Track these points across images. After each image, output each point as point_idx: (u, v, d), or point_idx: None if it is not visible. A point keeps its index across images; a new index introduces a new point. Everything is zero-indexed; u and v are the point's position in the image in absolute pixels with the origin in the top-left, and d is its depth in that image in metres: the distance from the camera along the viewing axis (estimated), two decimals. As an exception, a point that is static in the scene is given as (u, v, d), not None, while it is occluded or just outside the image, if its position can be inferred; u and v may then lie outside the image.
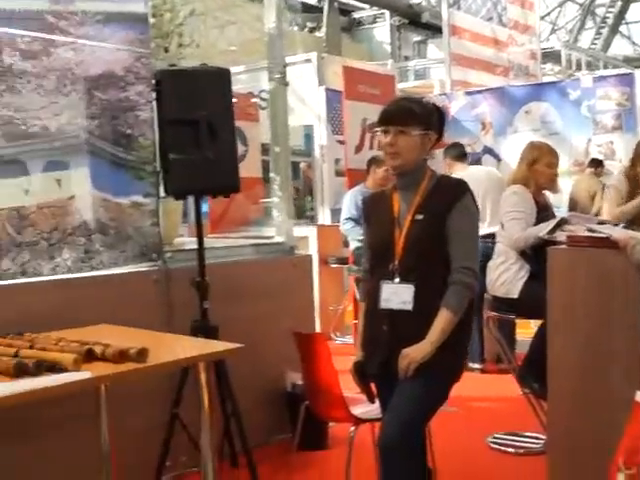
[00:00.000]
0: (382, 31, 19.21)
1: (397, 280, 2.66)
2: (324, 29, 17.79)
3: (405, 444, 2.58)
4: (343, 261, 7.03)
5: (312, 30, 18.12)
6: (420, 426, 2.70)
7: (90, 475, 3.23)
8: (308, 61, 8.57)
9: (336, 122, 8.31)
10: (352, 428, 3.19)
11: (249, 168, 7.20)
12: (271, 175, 4.74)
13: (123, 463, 3.21)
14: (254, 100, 7.82)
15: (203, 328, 3.50)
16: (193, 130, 3.40)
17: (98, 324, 3.15)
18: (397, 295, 2.65)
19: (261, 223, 7.01)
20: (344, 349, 6.06)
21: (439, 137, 2.78)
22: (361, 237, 6.03)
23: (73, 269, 3.58)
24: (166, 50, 4.69)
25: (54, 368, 2.25)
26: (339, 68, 8.28)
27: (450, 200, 2.67)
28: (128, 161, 3.73)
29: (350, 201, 6.52)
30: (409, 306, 2.63)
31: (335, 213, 7.76)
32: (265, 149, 7.01)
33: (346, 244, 6.82)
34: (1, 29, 3.35)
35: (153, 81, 3.61)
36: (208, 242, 3.67)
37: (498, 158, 8.65)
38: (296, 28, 17.11)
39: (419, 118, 2.69)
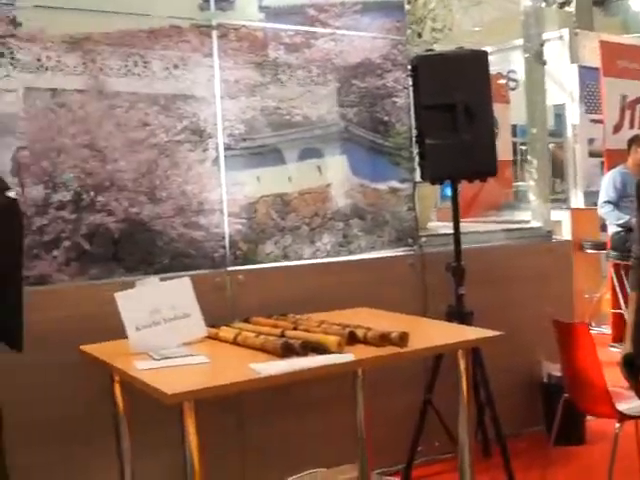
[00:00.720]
0: (638, 2, 17.91)
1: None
2: (574, 3, 16.91)
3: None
4: (600, 246, 6.65)
5: (562, 5, 17.29)
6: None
7: (346, 453, 3.32)
8: (560, 38, 8.15)
9: (590, 100, 7.85)
10: (617, 425, 3.02)
11: (500, 151, 7.00)
12: (528, 157, 4.58)
13: (377, 444, 3.27)
14: (502, 81, 7.60)
15: (458, 314, 3.46)
16: (450, 114, 3.37)
17: (355, 307, 3.21)
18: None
19: (512, 207, 6.82)
20: (601, 339, 5.72)
21: None
22: (620, 221, 5.83)
23: (332, 253, 3.68)
24: (419, 35, 4.68)
25: (318, 349, 2.30)
26: (592, 43, 7.80)
27: None
28: (385, 147, 3.78)
29: (608, 183, 6.16)
30: None
31: (589, 196, 7.36)
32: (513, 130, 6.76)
33: (604, 228, 6.44)
34: (268, 24, 3.52)
35: (409, 67, 3.60)
36: (461, 227, 3.61)
37: None
38: (544, 4, 16.41)
39: None
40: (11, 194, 2.37)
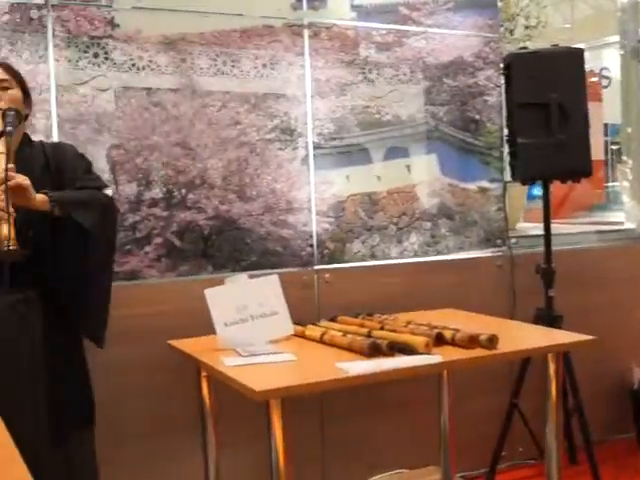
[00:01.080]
0: None
1: None
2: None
3: None
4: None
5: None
6: None
7: (429, 455, 3.32)
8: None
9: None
10: None
11: (592, 150, 6.80)
12: (622, 158, 4.45)
13: (460, 447, 3.24)
14: (595, 79, 7.38)
15: (547, 317, 3.38)
16: (543, 113, 3.29)
17: (442, 308, 3.18)
18: None
19: (604, 208, 6.61)
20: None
21: None
22: None
23: (419, 253, 3.66)
24: (511, 33, 4.58)
25: (405, 350, 2.28)
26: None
27: None
28: (475, 146, 3.73)
29: None
30: None
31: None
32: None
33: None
34: (359, 23, 3.52)
35: (502, 65, 3.53)
36: (552, 228, 3.53)
37: None
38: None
39: None
40: (108, 192, 2.44)
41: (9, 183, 2.14)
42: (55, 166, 2.40)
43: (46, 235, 2.31)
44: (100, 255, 2.39)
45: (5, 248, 2.10)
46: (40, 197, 2.25)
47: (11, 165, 2.19)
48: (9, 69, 2.37)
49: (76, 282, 2.34)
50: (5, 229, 2.11)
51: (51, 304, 2.33)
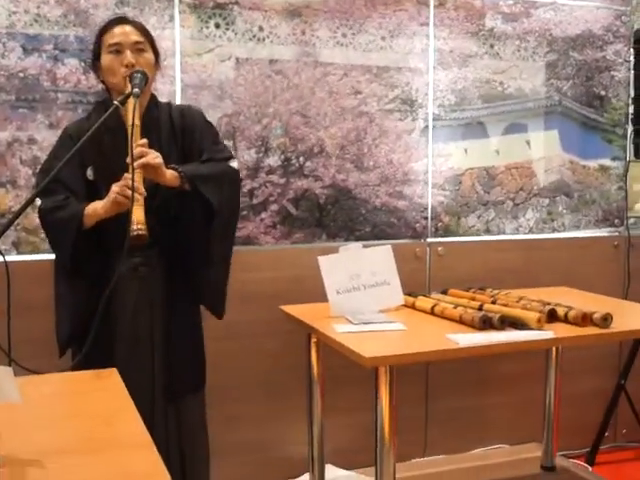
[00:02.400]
0: None
1: None
2: None
3: None
4: None
5: None
6: None
7: (533, 430, 3.32)
8: None
9: None
10: None
11: None
12: None
13: (564, 425, 3.22)
14: None
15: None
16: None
17: (554, 286, 3.14)
18: None
19: None
20: None
21: None
22: None
23: (535, 230, 3.60)
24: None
25: (516, 324, 2.26)
26: None
27: None
28: (599, 123, 3.62)
29: None
30: None
31: None
32: None
33: None
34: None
35: (632, 39, 3.40)
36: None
37: None
38: None
39: None
40: (234, 164, 2.42)
41: (141, 161, 2.12)
42: (182, 131, 2.38)
43: (171, 208, 2.32)
44: (224, 229, 2.37)
45: (135, 233, 2.04)
46: (170, 173, 2.22)
47: (144, 140, 2.16)
48: (144, 31, 2.35)
49: (198, 254, 2.34)
50: (137, 212, 2.06)
51: (172, 271, 2.35)
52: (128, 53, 2.27)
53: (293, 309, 2.63)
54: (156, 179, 2.20)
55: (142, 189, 2.11)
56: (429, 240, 3.40)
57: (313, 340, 2.61)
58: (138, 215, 2.06)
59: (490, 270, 3.40)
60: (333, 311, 2.47)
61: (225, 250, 2.41)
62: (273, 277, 3.11)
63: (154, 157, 2.16)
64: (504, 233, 3.55)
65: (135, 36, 2.30)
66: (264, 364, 3.12)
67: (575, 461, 3.46)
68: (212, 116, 2.95)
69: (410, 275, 3.01)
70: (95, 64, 2.34)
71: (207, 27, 2.99)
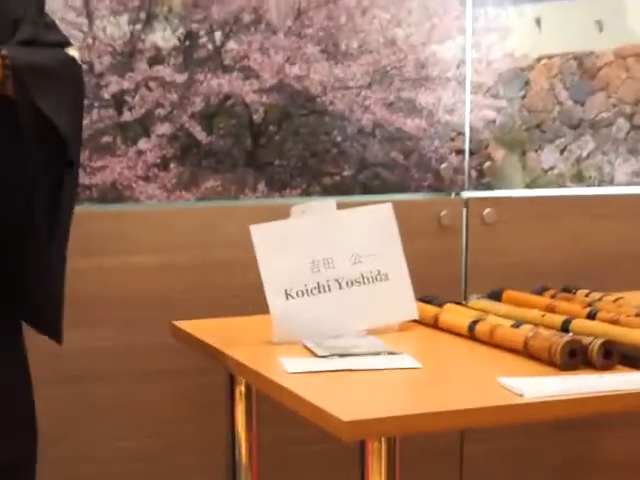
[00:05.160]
0: None
1: None
2: None
3: None
4: None
5: None
6: None
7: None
8: None
9: None
10: None
11: None
12: None
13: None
14: None
15: None
16: None
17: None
18: None
19: None
20: None
21: None
22: None
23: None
24: None
25: (638, 360, 2.28)
26: None
27: None
28: None
29: None
30: None
31: None
32: None
33: None
34: None
35: None
36: None
37: None
38: None
39: None
40: (75, 54, 2.45)
41: None
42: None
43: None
44: (74, 182, 2.43)
45: None
46: None
47: None
48: None
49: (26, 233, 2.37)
50: None
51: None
52: None
53: (198, 326, 2.66)
54: None
55: None
56: (465, 195, 3.47)
57: (239, 388, 2.65)
58: None
59: (585, 253, 3.51)
60: (277, 332, 2.50)
61: (66, 220, 2.46)
62: (161, 264, 3.16)
63: None
64: (612, 183, 3.65)
65: None
66: (139, 435, 3.17)
67: None
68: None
69: (430, 263, 3.10)
70: None
71: None
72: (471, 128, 3.46)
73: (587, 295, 2.84)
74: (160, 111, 3.19)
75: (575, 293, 2.87)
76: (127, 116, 3.16)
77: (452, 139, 3.44)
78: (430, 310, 2.68)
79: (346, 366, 2.28)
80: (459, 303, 2.79)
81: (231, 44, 3.23)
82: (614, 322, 2.51)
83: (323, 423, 1.97)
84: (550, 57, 3.55)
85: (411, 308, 2.64)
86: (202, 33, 3.21)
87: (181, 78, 3.20)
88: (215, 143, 3.25)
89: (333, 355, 2.35)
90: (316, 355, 2.36)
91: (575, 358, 2.24)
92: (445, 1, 3.41)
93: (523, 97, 3.52)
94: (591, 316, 2.57)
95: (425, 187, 3.42)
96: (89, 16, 3.10)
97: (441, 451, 3.39)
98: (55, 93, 2.32)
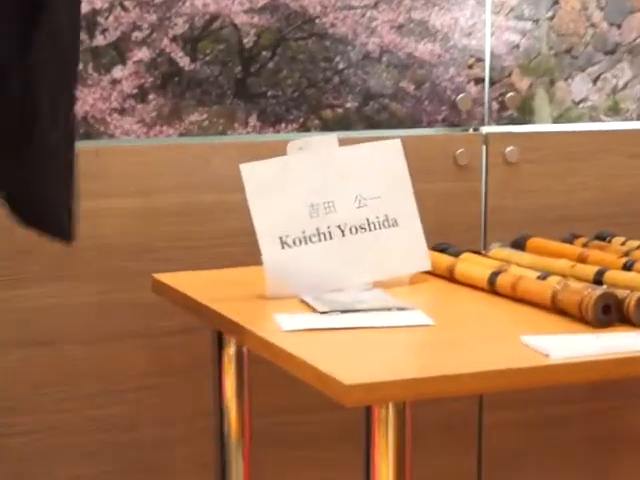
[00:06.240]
0: None
1: None
2: None
3: None
4: None
5: None
6: None
7: None
8: None
9: None
10: None
11: None
12: None
13: None
14: None
15: None
16: None
17: None
18: None
19: None
20: None
21: None
22: None
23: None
24: None
25: None
26: None
27: None
28: None
29: None
30: None
31: None
32: None
33: None
34: None
35: None
36: None
37: None
38: None
39: None
40: None
41: None
42: None
43: None
44: (61, 49, 2.22)
45: None
46: None
47: None
48: None
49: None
50: None
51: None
52: None
53: (182, 279, 2.65)
54: None
55: None
56: (485, 131, 3.41)
57: (228, 350, 2.63)
58: None
59: (620, 197, 3.45)
60: (271, 285, 2.48)
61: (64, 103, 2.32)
62: (139, 209, 3.09)
63: None
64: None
65: None
66: (114, 402, 3.09)
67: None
68: None
69: (444, 207, 3.11)
70: None
71: None
72: (492, 54, 3.40)
73: (623, 243, 2.80)
74: (137, 34, 3.10)
75: (610, 241, 2.84)
76: (100, 40, 3.06)
77: (470, 66, 3.37)
78: (445, 260, 2.67)
79: (349, 323, 2.26)
80: (478, 252, 2.77)
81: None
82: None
83: (323, 388, 1.95)
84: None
85: (423, 258, 2.63)
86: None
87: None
88: (200, 71, 3.17)
89: (334, 311, 2.33)
90: (315, 311, 2.35)
91: (609, 314, 2.21)
92: None
93: (551, 18, 3.45)
94: (627, 267, 2.54)
95: (439, 121, 3.36)
96: None
97: (457, 420, 3.36)
98: None
